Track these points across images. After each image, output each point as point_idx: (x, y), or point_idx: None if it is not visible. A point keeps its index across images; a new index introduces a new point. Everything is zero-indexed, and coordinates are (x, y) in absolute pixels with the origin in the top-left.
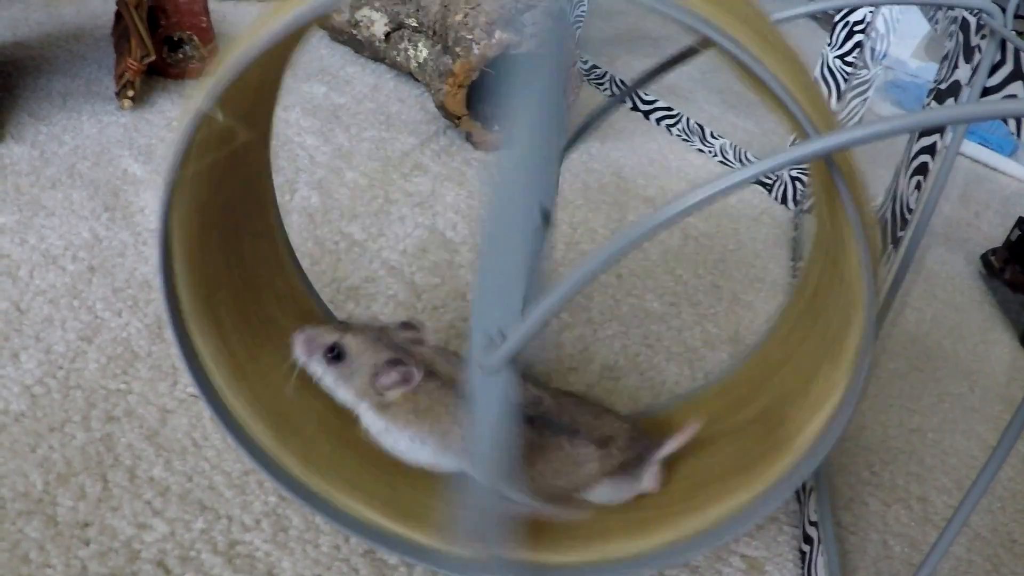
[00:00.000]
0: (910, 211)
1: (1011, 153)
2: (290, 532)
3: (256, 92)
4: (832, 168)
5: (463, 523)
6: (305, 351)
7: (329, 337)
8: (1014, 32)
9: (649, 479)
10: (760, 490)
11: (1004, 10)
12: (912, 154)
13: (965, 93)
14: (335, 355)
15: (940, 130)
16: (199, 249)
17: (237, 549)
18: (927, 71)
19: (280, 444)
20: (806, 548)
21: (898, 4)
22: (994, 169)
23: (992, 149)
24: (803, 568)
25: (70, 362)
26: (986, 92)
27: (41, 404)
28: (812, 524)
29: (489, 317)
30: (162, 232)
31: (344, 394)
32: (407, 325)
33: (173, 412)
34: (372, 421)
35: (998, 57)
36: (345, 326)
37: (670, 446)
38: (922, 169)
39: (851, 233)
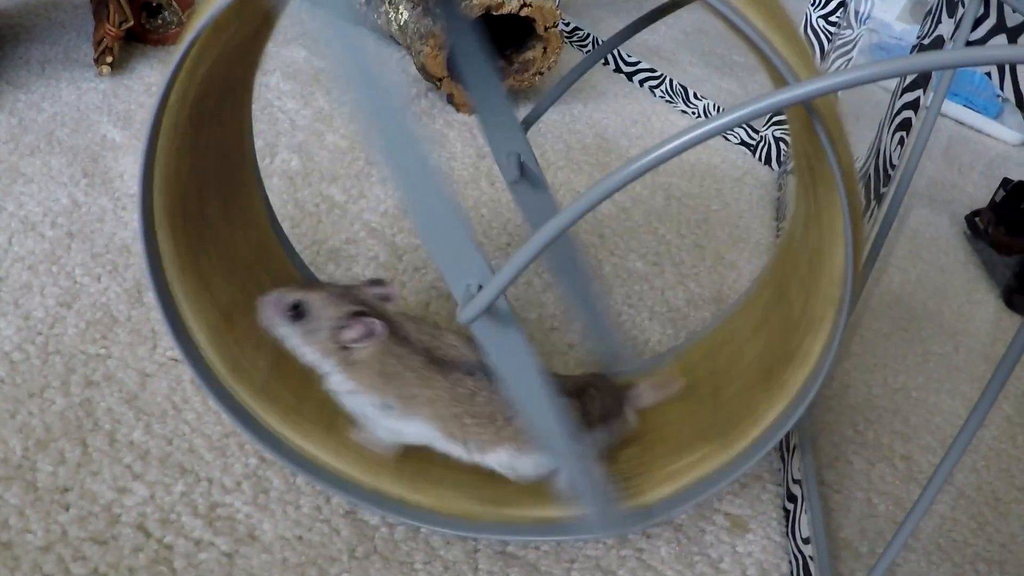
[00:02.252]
0: (893, 167)
1: (996, 115)
2: (271, 494)
3: (237, 51)
4: (812, 116)
5: (570, 488)
6: (269, 314)
7: (292, 296)
8: None
9: (632, 418)
10: (746, 442)
11: None
12: (895, 110)
13: (948, 48)
14: (297, 312)
15: (923, 84)
16: (181, 211)
17: (218, 511)
18: (912, 34)
19: (261, 404)
20: (790, 506)
21: None
22: (979, 131)
23: (977, 111)
24: (787, 526)
25: (49, 328)
26: (969, 46)
27: (20, 370)
28: (796, 482)
29: (462, 272)
30: (143, 194)
31: (309, 353)
32: (375, 281)
33: (153, 376)
34: (338, 382)
35: (981, 11)
36: (310, 284)
37: (649, 396)
38: (905, 125)
39: (832, 182)
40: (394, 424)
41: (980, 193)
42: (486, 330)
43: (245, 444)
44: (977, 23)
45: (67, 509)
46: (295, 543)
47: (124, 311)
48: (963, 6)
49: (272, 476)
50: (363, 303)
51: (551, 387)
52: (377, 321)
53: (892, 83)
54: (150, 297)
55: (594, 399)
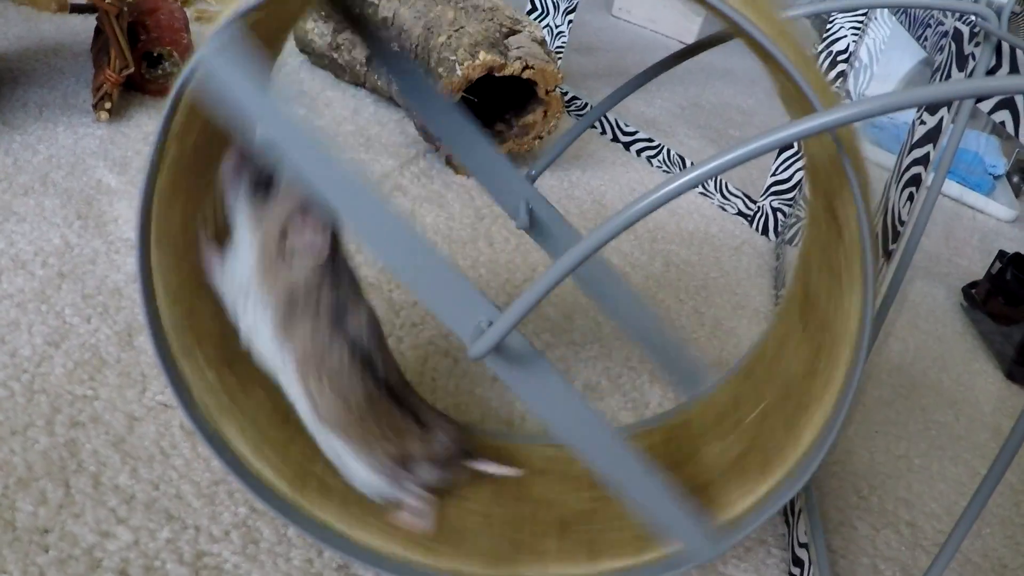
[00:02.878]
0: (902, 223)
1: (988, 192)
2: (261, 544)
3: None
4: (839, 147)
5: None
6: (235, 168)
7: (267, 164)
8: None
9: (460, 472)
10: (749, 504)
11: (999, 15)
12: (903, 166)
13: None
14: (265, 184)
15: (934, 139)
16: (179, 255)
17: (204, 560)
18: (905, 114)
19: (254, 452)
20: (795, 571)
21: (897, 5)
22: (972, 207)
23: (970, 188)
24: None
25: (36, 366)
26: (980, 100)
27: (3, 407)
28: (802, 546)
29: (468, 313)
30: (141, 232)
31: (243, 234)
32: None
33: (141, 420)
34: (242, 271)
35: (993, 62)
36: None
37: (488, 466)
38: (914, 180)
39: (853, 217)
40: (262, 334)
41: (975, 266)
42: (501, 366)
43: (235, 492)
44: (989, 74)
45: (46, 551)
46: None
47: (114, 353)
48: (973, 59)
49: (262, 527)
50: (327, 220)
51: (593, 412)
52: (327, 246)
53: (888, 158)
54: (141, 340)
55: (433, 444)
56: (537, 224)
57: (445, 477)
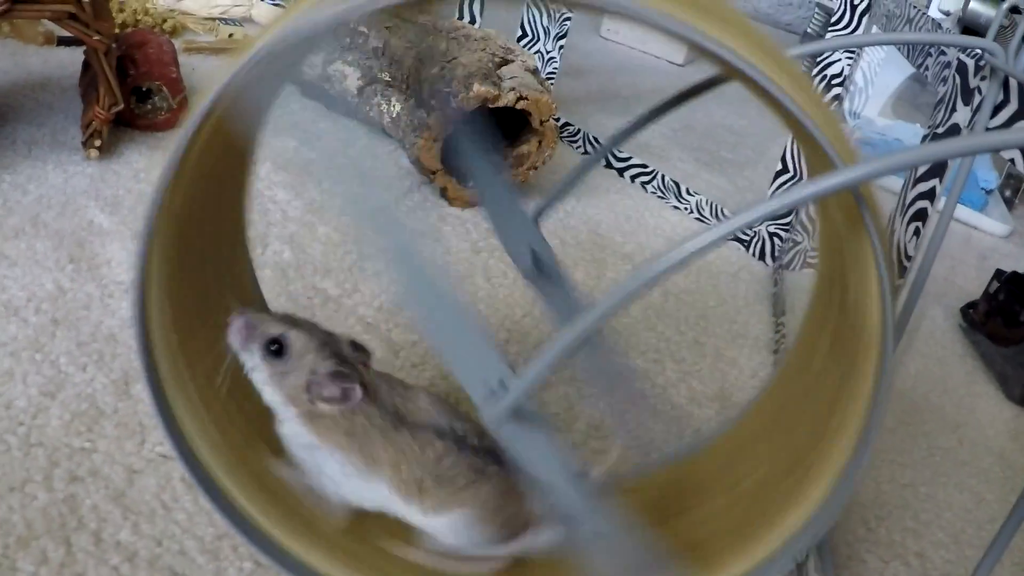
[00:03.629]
0: (908, 258)
1: (981, 208)
2: None
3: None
4: (860, 202)
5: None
6: (243, 338)
7: (273, 328)
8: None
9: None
10: (764, 554)
11: (1006, 49)
12: (908, 201)
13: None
14: (275, 349)
15: (940, 174)
16: (174, 302)
17: None
18: (894, 129)
19: (257, 506)
20: None
21: (902, 43)
22: (966, 224)
23: (964, 204)
24: None
25: (31, 418)
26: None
27: (0, 462)
28: None
29: (478, 370)
30: (139, 281)
31: (272, 395)
32: (357, 346)
33: (141, 472)
34: (297, 432)
35: (1001, 96)
36: (291, 320)
37: None
38: (920, 215)
39: (872, 268)
40: (351, 485)
41: (971, 285)
42: (512, 432)
43: (239, 547)
44: (997, 109)
45: None
46: None
47: (111, 403)
48: (979, 93)
49: None
50: (343, 359)
51: (584, 488)
52: (356, 388)
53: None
54: (138, 389)
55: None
56: (541, 272)
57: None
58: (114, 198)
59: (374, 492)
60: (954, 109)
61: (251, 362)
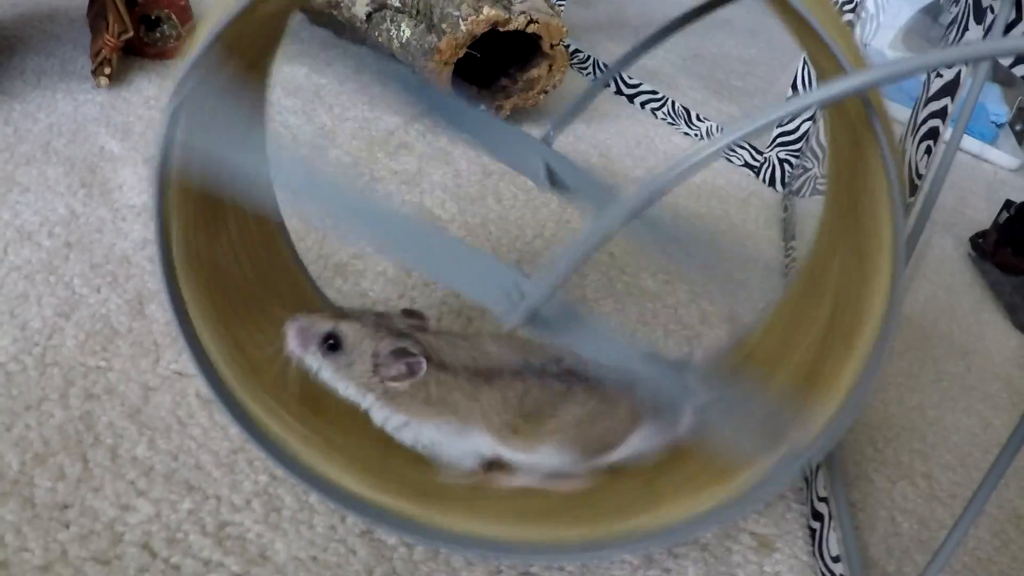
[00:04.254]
0: (919, 177)
1: (992, 141)
2: (283, 512)
3: (249, 66)
4: (869, 108)
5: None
6: (299, 343)
7: (324, 325)
8: None
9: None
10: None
11: None
12: (920, 119)
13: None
14: (331, 345)
15: (952, 92)
16: (192, 221)
17: (227, 531)
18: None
19: (274, 418)
20: (815, 525)
21: None
22: (977, 156)
23: (974, 138)
24: (813, 545)
25: (47, 339)
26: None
27: (16, 382)
28: (821, 500)
29: (493, 281)
30: (158, 201)
31: (346, 388)
32: (409, 312)
33: (156, 389)
34: (386, 415)
35: (1013, 15)
36: (341, 312)
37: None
38: (932, 134)
39: (881, 176)
40: (457, 443)
41: (980, 216)
42: (542, 327)
43: (255, 460)
44: (1009, 28)
45: (67, 527)
46: (309, 564)
47: (125, 323)
48: (992, 12)
49: (284, 494)
50: (399, 333)
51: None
52: (420, 360)
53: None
54: (152, 309)
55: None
56: (559, 183)
57: (657, 435)
58: (125, 125)
59: (472, 445)
60: (966, 28)
61: (315, 364)
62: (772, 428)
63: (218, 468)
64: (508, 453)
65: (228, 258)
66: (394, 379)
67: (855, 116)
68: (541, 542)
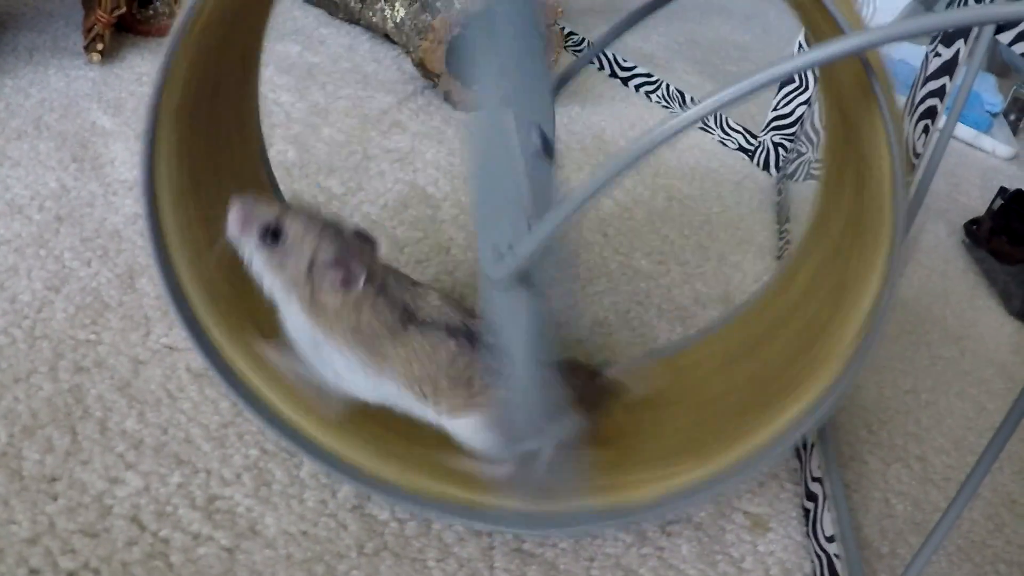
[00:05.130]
0: (917, 156)
1: (987, 129)
2: (273, 487)
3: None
4: (869, 71)
5: (522, 474)
6: (239, 225)
7: (267, 214)
8: None
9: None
10: (765, 438)
11: None
12: (918, 99)
13: (975, 32)
14: (272, 235)
15: (951, 71)
16: (185, 192)
17: (217, 504)
18: (900, 50)
19: (271, 388)
20: (809, 505)
21: None
22: (970, 145)
23: (969, 126)
24: (807, 525)
25: (36, 312)
26: (1000, 29)
27: (5, 354)
28: (815, 480)
29: (495, 232)
30: (146, 169)
31: (271, 282)
32: (361, 235)
33: (146, 363)
34: (300, 326)
35: None
36: (290, 206)
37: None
38: (930, 113)
39: (882, 139)
40: (357, 381)
41: (974, 203)
42: (507, 299)
43: (245, 434)
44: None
45: (55, 499)
46: (300, 538)
47: (115, 296)
48: None
49: (274, 468)
50: (345, 243)
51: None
52: (361, 268)
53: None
54: (143, 283)
55: (570, 382)
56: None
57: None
58: (117, 100)
59: (382, 389)
60: (965, 3)
61: (248, 251)
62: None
63: (208, 442)
64: (424, 413)
65: (221, 221)
66: (327, 287)
67: (854, 82)
68: (534, 512)
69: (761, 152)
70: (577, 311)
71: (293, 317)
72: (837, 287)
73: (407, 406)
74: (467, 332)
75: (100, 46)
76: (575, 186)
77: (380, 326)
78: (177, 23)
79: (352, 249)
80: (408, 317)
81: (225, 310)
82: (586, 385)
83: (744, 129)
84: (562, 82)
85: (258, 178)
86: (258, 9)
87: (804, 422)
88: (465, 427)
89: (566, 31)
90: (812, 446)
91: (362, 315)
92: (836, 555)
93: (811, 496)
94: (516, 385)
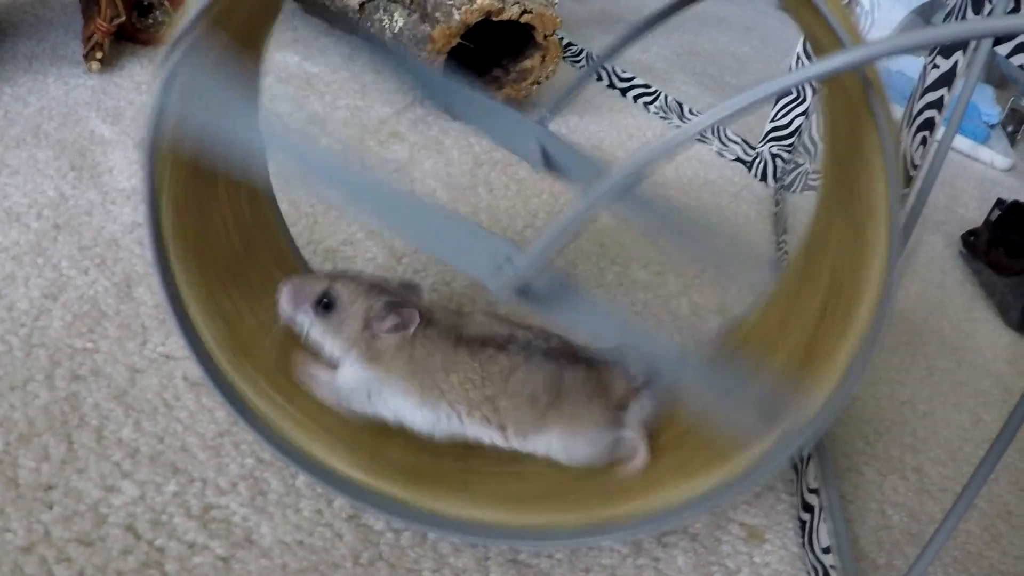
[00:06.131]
0: (915, 167)
1: (984, 141)
2: (269, 496)
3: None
4: (866, 85)
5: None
6: (292, 302)
7: (318, 286)
8: None
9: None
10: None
11: None
12: (916, 110)
13: (973, 45)
14: (325, 304)
15: (949, 83)
16: (185, 200)
17: (212, 513)
18: (898, 62)
19: (265, 399)
20: (805, 516)
21: None
22: (968, 156)
23: (966, 136)
24: (804, 536)
25: (33, 320)
26: (998, 41)
27: (2, 362)
28: (812, 492)
29: (481, 253)
30: (149, 180)
31: (332, 346)
32: (406, 285)
33: (143, 372)
34: (360, 375)
35: (1012, 4)
36: (336, 274)
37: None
38: (927, 124)
39: (877, 151)
40: (416, 415)
41: (972, 214)
42: (534, 300)
43: (241, 443)
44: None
45: (50, 508)
46: (295, 548)
47: (112, 305)
48: (991, 2)
49: (270, 478)
50: (392, 293)
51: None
52: (414, 311)
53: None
54: (140, 292)
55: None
56: (553, 164)
57: (653, 404)
58: (116, 109)
59: (446, 422)
60: (964, 18)
61: (306, 322)
62: (769, 407)
63: (204, 451)
64: (496, 438)
65: (219, 230)
66: (385, 331)
67: (853, 95)
68: (530, 527)
69: (759, 163)
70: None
71: (351, 372)
72: (831, 307)
73: (476, 434)
74: (516, 341)
75: (99, 55)
76: (573, 199)
77: (433, 351)
78: (181, 27)
79: (400, 296)
80: (457, 337)
81: (222, 321)
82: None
83: (742, 140)
84: (567, 95)
85: (256, 187)
86: (263, 15)
87: (792, 443)
88: (545, 447)
89: (564, 42)
90: (808, 457)
91: (415, 347)
92: (832, 566)
93: (807, 507)
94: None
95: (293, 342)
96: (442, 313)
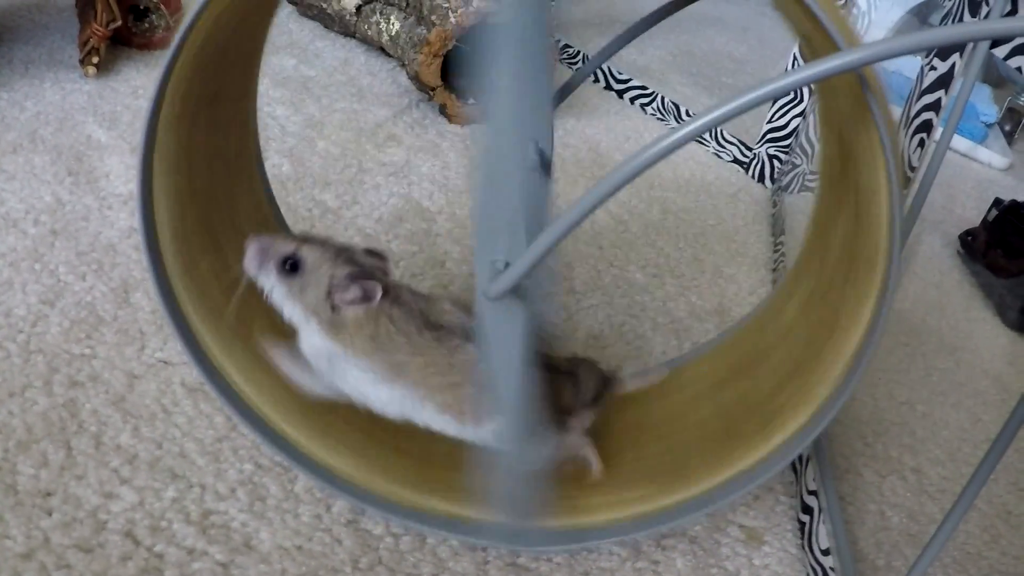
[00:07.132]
0: (912, 169)
1: (982, 140)
2: (268, 501)
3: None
4: (864, 85)
5: (494, 491)
6: (256, 261)
7: (285, 247)
8: None
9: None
10: (776, 444)
11: None
12: (913, 112)
13: (970, 47)
14: (290, 266)
15: (946, 85)
16: (182, 208)
17: (211, 519)
18: (897, 61)
19: (267, 402)
20: (805, 518)
21: None
22: (965, 156)
23: (964, 136)
24: (803, 538)
25: (31, 326)
26: (995, 43)
27: (0, 368)
28: (811, 494)
29: (492, 249)
30: (143, 189)
31: (292, 310)
32: (372, 252)
33: (141, 377)
34: (320, 344)
35: (1009, 7)
36: (304, 237)
37: (633, 382)
38: (925, 127)
39: (878, 156)
40: (377, 395)
41: (970, 215)
42: (500, 311)
43: (239, 449)
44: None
45: (50, 514)
46: (295, 553)
47: (110, 311)
48: (988, 4)
49: (269, 483)
50: (359, 265)
51: (534, 379)
52: (376, 284)
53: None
54: (137, 297)
55: (586, 381)
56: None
57: (597, 414)
58: (112, 114)
59: (403, 402)
60: (961, 21)
61: (268, 283)
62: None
63: (203, 456)
64: (447, 423)
65: (217, 232)
66: (348, 303)
67: (850, 96)
68: (530, 528)
69: (756, 164)
70: (569, 324)
71: (312, 339)
72: (830, 312)
73: (427, 419)
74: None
75: (96, 59)
76: (572, 202)
77: (397, 333)
78: (179, 33)
79: (366, 267)
80: (424, 322)
81: (220, 323)
82: (598, 385)
83: (739, 141)
84: (561, 96)
85: (254, 191)
86: (258, 18)
87: (791, 448)
88: (492, 433)
89: (561, 43)
90: (807, 459)
91: (379, 325)
92: (831, 568)
93: (806, 509)
94: (504, 401)
95: (293, 340)
96: (409, 295)
